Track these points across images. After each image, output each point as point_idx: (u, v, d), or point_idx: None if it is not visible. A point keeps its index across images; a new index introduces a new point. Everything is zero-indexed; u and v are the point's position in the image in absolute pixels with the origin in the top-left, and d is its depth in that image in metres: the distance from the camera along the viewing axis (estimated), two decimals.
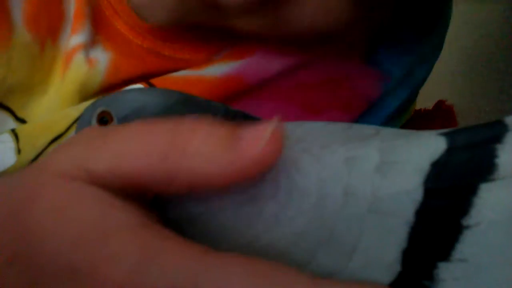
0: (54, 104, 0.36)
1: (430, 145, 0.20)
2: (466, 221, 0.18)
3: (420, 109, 0.63)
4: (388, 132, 0.22)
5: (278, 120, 0.18)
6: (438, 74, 0.87)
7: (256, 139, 0.18)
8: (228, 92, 0.37)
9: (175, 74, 0.37)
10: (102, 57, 0.35)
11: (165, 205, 0.21)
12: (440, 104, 0.64)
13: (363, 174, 0.20)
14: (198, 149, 0.17)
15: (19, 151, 0.34)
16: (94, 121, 0.26)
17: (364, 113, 0.41)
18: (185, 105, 0.25)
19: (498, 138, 0.20)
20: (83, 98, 0.36)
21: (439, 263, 0.18)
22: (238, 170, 0.18)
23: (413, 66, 0.43)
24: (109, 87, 0.36)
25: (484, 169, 0.19)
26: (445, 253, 0.18)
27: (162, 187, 0.18)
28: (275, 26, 0.33)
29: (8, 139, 0.34)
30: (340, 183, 0.20)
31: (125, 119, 0.25)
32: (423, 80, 0.46)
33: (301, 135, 0.23)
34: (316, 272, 0.19)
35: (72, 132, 0.35)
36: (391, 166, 0.20)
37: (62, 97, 0.35)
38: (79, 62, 0.35)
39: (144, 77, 0.36)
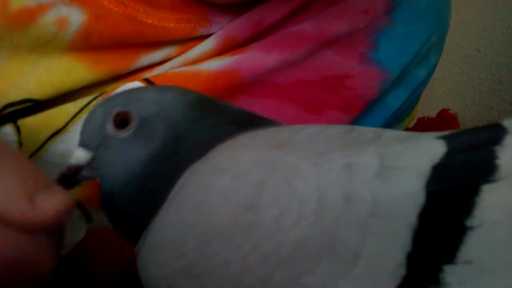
0: (5, 54, 0.34)
1: (430, 149, 0.20)
2: (469, 222, 0.18)
3: (424, 117, 0.63)
4: (388, 135, 0.22)
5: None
6: (441, 83, 0.87)
7: (56, 204, 0.21)
8: (224, 86, 0.37)
9: (173, 70, 0.37)
10: (75, 18, 0.34)
11: None
12: (443, 113, 0.64)
13: (363, 179, 0.20)
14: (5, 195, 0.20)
15: (20, 144, 0.35)
16: (110, 124, 0.25)
17: (364, 113, 0.42)
18: (203, 107, 0.25)
19: (497, 140, 0.20)
20: (40, 55, 0.34)
21: (444, 266, 0.18)
22: (32, 222, 0.20)
23: (409, 65, 0.43)
24: (76, 48, 0.35)
25: (485, 170, 0.19)
26: (450, 255, 0.18)
27: None
28: None
29: (10, 132, 0.35)
30: (339, 189, 0.20)
31: (146, 120, 0.24)
32: (423, 81, 0.46)
33: (300, 141, 0.23)
34: (319, 280, 0.19)
35: (70, 127, 0.35)
36: (391, 171, 0.20)
37: (16, 47, 0.34)
38: (48, 22, 0.34)
39: (117, 45, 0.35)
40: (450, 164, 0.19)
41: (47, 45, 0.34)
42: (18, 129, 0.35)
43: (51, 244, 0.22)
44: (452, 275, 0.18)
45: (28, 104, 0.35)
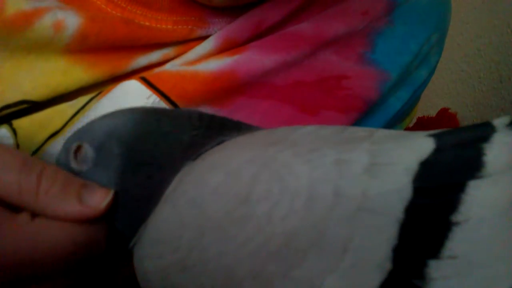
0: (9, 54, 0.35)
1: (419, 146, 0.20)
2: (455, 218, 0.19)
3: (424, 117, 0.63)
4: (380, 134, 0.23)
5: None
6: (440, 82, 0.87)
7: (99, 199, 0.24)
8: (221, 88, 0.37)
9: (170, 69, 0.37)
10: (71, 22, 0.34)
11: None
12: (443, 112, 0.64)
13: (353, 175, 0.20)
14: (50, 193, 0.23)
15: (17, 146, 0.35)
16: (72, 160, 0.26)
17: (366, 115, 0.42)
18: (154, 116, 0.26)
19: (485, 138, 0.20)
20: (36, 57, 0.35)
21: (429, 261, 0.18)
22: (80, 217, 0.24)
23: (410, 66, 0.43)
24: (73, 51, 0.35)
25: (472, 167, 0.19)
26: (435, 250, 0.18)
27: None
28: None
29: (7, 134, 0.35)
30: (330, 185, 0.20)
31: (101, 146, 0.25)
32: (424, 82, 0.46)
33: (294, 139, 0.23)
34: (307, 274, 0.19)
35: (67, 129, 0.35)
36: (381, 167, 0.20)
37: (12, 50, 0.35)
38: (45, 25, 0.34)
39: (114, 47, 0.36)
40: (438, 160, 0.20)
41: (43, 48, 0.35)
42: (14, 131, 0.35)
43: (101, 228, 0.25)
44: (436, 270, 0.18)
45: (25, 105, 0.35)
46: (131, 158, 0.25)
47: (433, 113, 0.62)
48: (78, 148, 0.26)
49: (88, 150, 0.25)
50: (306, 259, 0.19)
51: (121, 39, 0.36)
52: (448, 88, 0.84)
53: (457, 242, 0.18)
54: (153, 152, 0.25)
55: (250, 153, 0.23)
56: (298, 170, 0.21)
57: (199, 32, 0.39)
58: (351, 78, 0.40)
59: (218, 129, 0.26)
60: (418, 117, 0.60)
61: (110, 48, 0.36)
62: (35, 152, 0.35)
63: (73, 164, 0.26)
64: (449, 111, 0.65)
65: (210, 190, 0.22)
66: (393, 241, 0.19)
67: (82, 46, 0.35)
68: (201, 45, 0.38)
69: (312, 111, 0.39)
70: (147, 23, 0.37)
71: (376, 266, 0.19)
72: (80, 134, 0.27)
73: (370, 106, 0.41)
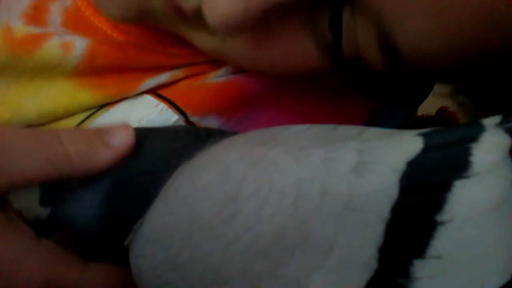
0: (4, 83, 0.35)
1: (407, 145, 0.21)
2: (440, 217, 0.19)
3: (423, 115, 0.63)
4: (370, 132, 0.23)
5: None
6: (439, 84, 0.87)
7: (122, 135, 0.26)
8: (227, 98, 0.37)
9: (181, 85, 0.37)
10: (80, 43, 0.34)
11: None
12: (443, 111, 0.64)
13: (340, 174, 0.20)
14: (80, 152, 0.25)
15: None
16: None
17: (370, 123, 0.41)
18: (143, 133, 0.27)
19: (474, 137, 0.20)
20: (41, 82, 0.35)
21: (414, 260, 0.18)
22: (114, 159, 0.26)
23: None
24: (79, 74, 0.35)
25: (458, 166, 0.19)
26: (420, 249, 0.18)
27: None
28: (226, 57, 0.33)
29: None
30: (317, 183, 0.20)
31: None
32: (420, 99, 0.46)
33: (285, 138, 0.24)
34: (294, 272, 0.19)
35: None
36: (368, 166, 0.20)
37: (18, 75, 0.35)
38: (54, 45, 0.34)
39: (122, 69, 0.36)
40: (425, 160, 0.20)
41: (50, 71, 0.35)
42: None
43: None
44: (421, 269, 0.18)
45: None
46: (122, 175, 0.26)
47: (432, 111, 0.61)
48: None
49: None
50: (293, 257, 0.19)
51: (129, 61, 0.36)
52: (447, 86, 0.84)
53: (442, 242, 0.18)
54: (146, 166, 0.26)
55: (241, 151, 0.23)
56: (286, 169, 0.21)
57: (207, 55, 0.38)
58: (352, 97, 0.40)
59: (207, 137, 0.27)
60: (418, 116, 0.60)
61: (118, 71, 0.36)
62: None
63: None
64: (449, 109, 0.65)
65: (201, 189, 0.23)
66: (379, 240, 0.19)
67: (90, 69, 0.35)
68: (216, 73, 0.38)
69: (313, 121, 0.39)
70: (153, 47, 0.37)
71: (362, 265, 0.19)
72: None
73: (374, 116, 0.41)
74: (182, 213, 0.23)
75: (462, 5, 0.25)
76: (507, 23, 0.26)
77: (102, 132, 0.26)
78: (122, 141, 0.26)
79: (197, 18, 0.28)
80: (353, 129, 0.24)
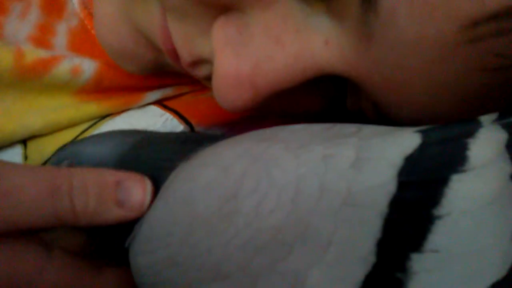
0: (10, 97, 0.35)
1: (405, 141, 0.21)
2: (437, 211, 0.19)
3: None
4: (368, 129, 0.23)
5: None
6: None
7: (138, 194, 0.25)
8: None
9: (187, 97, 0.37)
10: (88, 66, 0.35)
11: None
12: None
13: (339, 170, 0.20)
14: (88, 210, 0.24)
15: (26, 157, 0.35)
16: None
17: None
18: (141, 148, 0.27)
19: (471, 133, 0.20)
20: (48, 98, 0.36)
21: (411, 254, 0.19)
22: (125, 220, 0.25)
23: None
24: (89, 91, 0.36)
25: (455, 161, 0.19)
26: (417, 243, 0.19)
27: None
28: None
29: (16, 145, 0.35)
30: (316, 179, 0.20)
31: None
32: None
33: (284, 136, 0.24)
34: (293, 267, 0.19)
35: None
36: (366, 162, 0.20)
37: (25, 92, 0.35)
38: (63, 70, 0.35)
39: (127, 89, 0.36)
40: (423, 155, 0.20)
41: (57, 90, 0.35)
42: (24, 143, 0.35)
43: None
44: (419, 263, 0.18)
45: None
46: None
47: None
48: (70, 165, 0.27)
49: None
50: (292, 252, 0.19)
51: (136, 82, 0.36)
52: None
53: (439, 235, 0.18)
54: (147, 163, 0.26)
55: (240, 149, 0.23)
56: (286, 165, 0.21)
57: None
58: None
59: (200, 141, 0.27)
60: None
61: (123, 88, 0.36)
62: (43, 164, 0.35)
63: None
64: None
65: (201, 187, 0.23)
66: (377, 235, 0.19)
67: (96, 88, 0.35)
68: None
69: None
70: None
71: (360, 259, 0.19)
72: (72, 155, 0.28)
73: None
74: (181, 210, 0.23)
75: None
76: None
77: (118, 184, 0.25)
78: (137, 201, 0.24)
79: (210, 81, 0.29)
80: (351, 127, 0.24)
